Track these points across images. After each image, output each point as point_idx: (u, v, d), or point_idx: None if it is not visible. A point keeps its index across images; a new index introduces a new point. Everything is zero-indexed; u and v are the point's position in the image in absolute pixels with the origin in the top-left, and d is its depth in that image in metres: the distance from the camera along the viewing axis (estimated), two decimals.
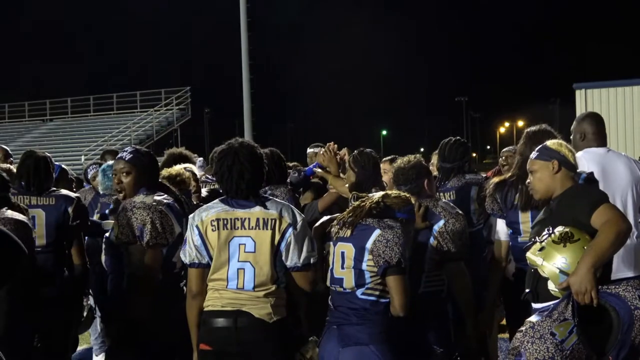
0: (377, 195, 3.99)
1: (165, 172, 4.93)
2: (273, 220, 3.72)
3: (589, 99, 20.42)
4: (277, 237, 3.72)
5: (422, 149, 42.87)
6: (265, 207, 3.74)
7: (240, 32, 25.83)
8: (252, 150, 3.81)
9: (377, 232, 3.80)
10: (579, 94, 20.36)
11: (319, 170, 5.76)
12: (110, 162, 6.15)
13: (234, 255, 3.72)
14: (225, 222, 3.72)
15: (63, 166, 6.45)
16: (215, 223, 3.73)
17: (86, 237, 5.80)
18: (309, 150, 7.41)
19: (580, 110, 20.11)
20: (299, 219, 3.78)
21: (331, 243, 3.97)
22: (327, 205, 5.55)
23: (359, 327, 3.77)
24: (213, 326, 3.73)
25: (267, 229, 3.71)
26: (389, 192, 4.06)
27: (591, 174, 3.89)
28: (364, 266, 3.79)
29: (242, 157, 3.75)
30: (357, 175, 5.22)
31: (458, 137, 5.60)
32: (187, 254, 3.79)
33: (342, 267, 3.85)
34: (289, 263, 3.75)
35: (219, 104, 67.88)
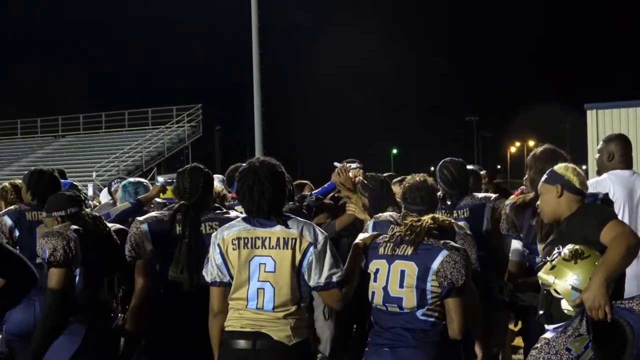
0: (426, 217, 3.95)
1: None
2: (293, 240, 3.67)
3: (600, 119, 20.35)
4: (298, 257, 3.66)
5: (432, 168, 42.79)
6: (286, 226, 3.70)
7: (252, 52, 25.93)
8: (273, 169, 3.78)
9: (444, 252, 3.73)
10: (591, 114, 20.29)
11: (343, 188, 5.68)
12: (132, 179, 6.22)
13: (254, 274, 3.68)
14: (245, 241, 3.70)
15: (74, 182, 6.49)
16: (236, 242, 3.70)
17: None
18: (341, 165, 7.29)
19: (591, 130, 20.04)
20: (320, 237, 3.71)
21: (383, 260, 3.85)
22: (344, 225, 5.55)
23: (416, 349, 3.71)
24: (232, 347, 3.70)
25: (287, 248, 3.66)
26: (436, 215, 4.02)
27: (606, 195, 3.91)
28: (428, 286, 3.72)
29: (262, 176, 3.72)
30: (368, 199, 5.20)
31: (452, 158, 5.49)
32: (209, 272, 3.77)
33: (401, 286, 3.75)
34: (311, 283, 3.69)
35: (230, 121, 68.11)
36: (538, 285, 3.68)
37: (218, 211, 4.44)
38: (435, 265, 3.72)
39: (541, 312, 3.69)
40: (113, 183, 7.62)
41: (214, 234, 3.82)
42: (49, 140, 38.99)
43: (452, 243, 3.82)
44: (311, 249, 3.67)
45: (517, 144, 78.31)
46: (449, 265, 3.71)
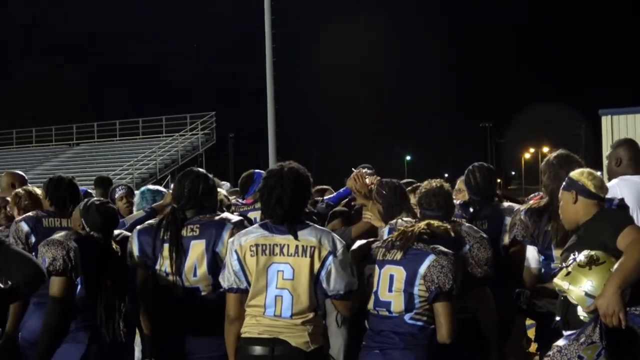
0: (421, 223, 3.97)
1: None
2: (312, 248, 3.66)
3: (615, 125, 20.26)
4: (317, 265, 3.66)
5: (446, 175, 42.70)
6: (306, 234, 3.69)
7: (265, 59, 25.98)
8: (298, 176, 3.76)
9: (431, 257, 3.78)
10: (605, 120, 20.22)
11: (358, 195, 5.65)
12: (151, 187, 6.24)
13: (272, 281, 3.67)
14: (264, 247, 3.69)
15: (88, 190, 6.51)
16: (254, 248, 3.69)
17: None
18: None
19: (606, 136, 19.96)
20: (339, 246, 3.70)
21: (375, 265, 3.92)
22: (360, 232, 5.52)
23: (405, 351, 3.75)
24: (249, 354, 3.69)
25: (305, 256, 3.65)
26: (432, 221, 4.05)
27: (622, 200, 3.89)
28: (416, 290, 3.76)
29: (285, 182, 3.71)
30: (382, 205, 5.18)
31: (482, 164, 5.51)
32: (226, 278, 3.77)
33: (390, 290, 3.82)
34: (331, 291, 3.68)
35: (243, 129, 68.28)
36: (555, 292, 3.67)
37: (208, 215, 4.32)
38: (423, 269, 3.77)
39: (558, 318, 3.68)
40: (117, 190, 7.43)
41: (230, 240, 3.81)
42: (64, 148, 39.19)
43: (441, 248, 3.85)
44: (330, 257, 3.66)
45: (532, 150, 78.10)
46: (436, 270, 3.75)
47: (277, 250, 3.67)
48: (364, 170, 5.73)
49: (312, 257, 3.65)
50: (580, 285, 3.46)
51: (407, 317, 3.78)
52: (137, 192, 6.70)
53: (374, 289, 3.88)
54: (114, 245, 4.46)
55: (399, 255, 3.85)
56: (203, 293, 4.17)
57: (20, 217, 5.10)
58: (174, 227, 4.27)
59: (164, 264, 4.24)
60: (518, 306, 4.59)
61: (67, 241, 4.27)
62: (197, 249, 4.22)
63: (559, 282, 3.54)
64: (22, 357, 4.74)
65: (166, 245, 4.24)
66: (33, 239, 4.90)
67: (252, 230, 3.77)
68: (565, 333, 3.58)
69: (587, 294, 3.45)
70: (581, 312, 3.50)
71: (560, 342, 3.44)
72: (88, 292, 4.32)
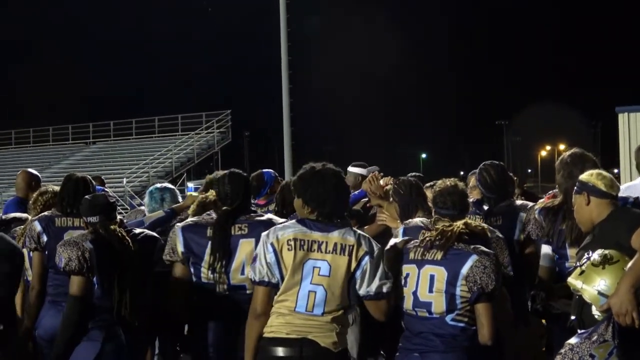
0: (459, 222, 3.96)
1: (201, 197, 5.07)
2: (351, 247, 3.66)
3: (632, 123, 20.12)
4: (354, 264, 3.66)
5: (461, 173, 42.55)
6: (344, 233, 3.70)
7: (281, 57, 26.02)
8: (339, 176, 3.82)
9: (474, 257, 3.74)
10: (622, 118, 20.06)
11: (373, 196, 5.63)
12: (159, 185, 6.25)
13: (307, 277, 3.66)
14: (302, 242, 3.67)
15: (105, 189, 6.53)
16: (292, 243, 3.67)
17: None
18: (352, 169, 7.28)
19: (622, 133, 19.82)
20: (375, 248, 3.72)
21: (413, 265, 3.87)
22: (373, 234, 5.47)
23: (446, 355, 3.71)
24: (274, 355, 3.64)
25: (344, 254, 3.66)
26: (469, 220, 4.02)
27: (637, 199, 3.89)
28: (457, 291, 3.73)
29: (327, 181, 3.74)
30: (398, 204, 5.16)
31: (493, 161, 5.50)
32: (258, 271, 3.72)
33: (431, 291, 3.77)
34: (362, 291, 3.69)
35: (259, 127, 68.39)
36: (570, 292, 3.66)
37: (253, 214, 4.54)
38: (465, 270, 3.72)
39: (573, 317, 3.67)
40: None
41: (264, 233, 3.78)
42: (80, 146, 39.41)
43: (482, 248, 3.81)
44: (367, 257, 3.67)
45: (548, 147, 77.76)
46: (479, 270, 3.70)
47: (315, 246, 3.67)
48: (380, 174, 5.73)
49: (350, 255, 3.66)
50: (594, 284, 3.46)
51: (448, 318, 3.73)
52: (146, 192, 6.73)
53: (413, 289, 3.83)
54: (131, 243, 4.49)
55: (439, 255, 3.80)
56: (248, 291, 4.19)
57: (35, 217, 5.15)
58: (223, 225, 4.39)
59: (211, 261, 4.34)
60: (534, 308, 4.58)
61: (83, 242, 4.35)
62: (245, 247, 4.35)
63: (573, 281, 3.54)
64: (41, 352, 4.80)
65: (213, 243, 4.35)
66: (45, 238, 4.93)
67: (290, 225, 3.76)
68: (579, 331, 3.57)
69: (600, 293, 3.44)
70: (595, 311, 3.49)
71: (573, 340, 3.44)
72: (103, 291, 4.38)
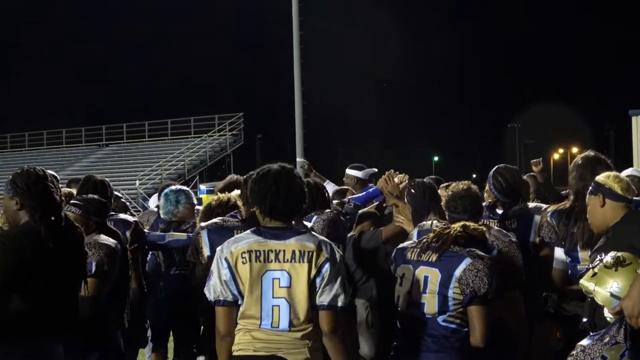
0: (457, 225, 3.97)
1: (218, 197, 5.08)
2: (310, 253, 3.42)
3: None
4: (314, 271, 3.41)
5: (474, 175, 42.45)
6: (303, 239, 3.46)
7: (293, 60, 26.04)
8: (292, 176, 3.54)
9: (467, 260, 3.78)
10: (635, 120, 20.02)
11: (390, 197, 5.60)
12: (173, 187, 6.27)
13: (267, 290, 3.41)
14: (257, 254, 3.42)
15: (116, 193, 6.55)
16: (246, 255, 3.42)
17: (147, 264, 5.92)
18: (349, 171, 7.27)
19: (636, 136, 19.77)
20: (337, 255, 3.48)
21: (409, 265, 3.91)
22: (390, 235, 5.47)
23: (438, 354, 3.74)
24: None
25: (303, 261, 3.41)
26: (468, 223, 4.04)
27: None
28: (450, 293, 3.76)
29: (282, 181, 3.48)
30: (412, 206, 5.13)
31: (506, 165, 5.47)
32: (212, 290, 3.48)
33: (424, 292, 3.81)
34: (317, 300, 3.43)
35: (271, 129, 68.45)
36: (582, 294, 3.66)
37: None
38: (458, 272, 3.76)
39: (585, 319, 3.67)
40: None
41: (218, 248, 3.54)
42: (93, 149, 39.58)
43: (477, 251, 3.84)
44: (327, 265, 3.43)
45: (560, 150, 77.41)
46: (472, 274, 3.74)
47: (272, 256, 3.42)
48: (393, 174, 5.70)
49: (309, 262, 3.41)
50: (606, 286, 3.46)
51: (440, 319, 3.77)
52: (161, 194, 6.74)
53: (407, 289, 3.88)
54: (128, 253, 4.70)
55: (434, 257, 3.84)
56: None
57: None
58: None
59: None
60: (546, 310, 4.58)
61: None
62: None
63: (585, 283, 3.54)
64: None
65: None
66: None
67: (244, 236, 3.50)
68: (591, 333, 3.57)
69: (612, 295, 3.44)
70: (607, 314, 3.49)
71: (584, 342, 3.45)
72: (107, 295, 4.42)
